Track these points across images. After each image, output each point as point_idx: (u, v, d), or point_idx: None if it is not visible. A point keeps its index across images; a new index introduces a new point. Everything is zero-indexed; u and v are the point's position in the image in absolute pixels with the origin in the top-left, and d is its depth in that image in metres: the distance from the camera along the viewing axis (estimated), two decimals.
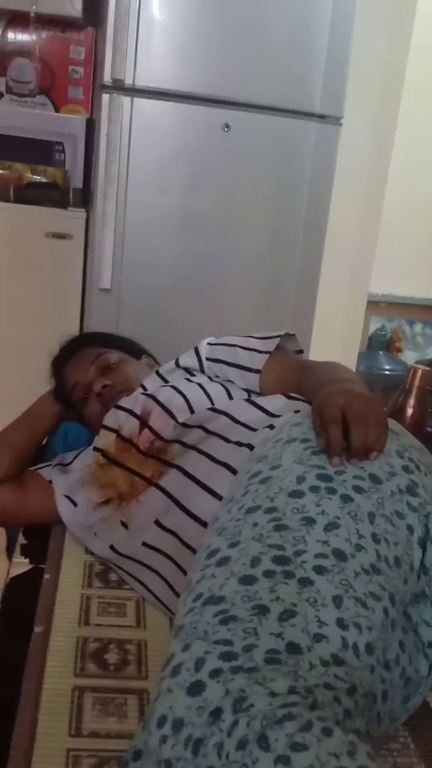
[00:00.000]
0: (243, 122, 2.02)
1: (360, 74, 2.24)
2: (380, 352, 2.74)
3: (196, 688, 0.62)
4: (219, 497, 0.93)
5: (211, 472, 0.97)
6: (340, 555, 0.73)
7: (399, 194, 2.58)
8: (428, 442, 1.03)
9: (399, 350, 2.84)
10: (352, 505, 0.77)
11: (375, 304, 2.74)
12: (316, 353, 1.29)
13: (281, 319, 2.18)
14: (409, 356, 2.83)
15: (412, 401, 1.40)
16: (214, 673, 0.62)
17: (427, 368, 1.42)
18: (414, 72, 2.50)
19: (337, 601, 0.68)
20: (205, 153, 2.02)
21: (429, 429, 1.53)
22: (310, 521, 0.75)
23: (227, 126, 2.01)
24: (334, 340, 2.59)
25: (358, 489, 0.80)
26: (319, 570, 0.71)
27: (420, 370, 1.41)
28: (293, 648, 0.64)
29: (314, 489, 0.79)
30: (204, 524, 0.94)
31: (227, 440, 1.01)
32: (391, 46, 2.45)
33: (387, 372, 2.64)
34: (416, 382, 1.40)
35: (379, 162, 2.53)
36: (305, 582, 0.69)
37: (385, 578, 0.73)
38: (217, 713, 0.60)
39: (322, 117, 2.07)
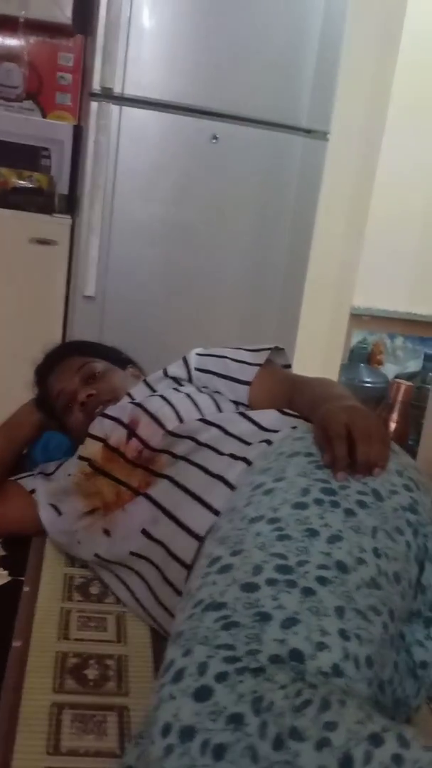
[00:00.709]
0: (231, 134, 2.03)
1: (347, 90, 2.27)
2: (361, 364, 2.75)
3: (203, 693, 0.61)
4: (214, 510, 0.93)
5: (205, 484, 0.97)
6: (342, 567, 0.73)
7: (383, 209, 2.60)
8: (410, 455, 1.04)
9: (380, 363, 2.86)
10: (354, 519, 0.78)
11: (357, 317, 2.76)
12: (299, 364, 1.30)
13: (265, 330, 2.19)
14: (390, 369, 2.85)
15: (395, 416, 1.41)
16: (220, 677, 0.62)
17: (410, 384, 1.44)
18: (400, 89, 2.53)
19: (340, 612, 0.68)
20: (192, 163, 2.02)
21: (410, 442, 1.55)
22: (313, 533, 0.76)
23: (215, 137, 2.02)
24: (317, 352, 2.60)
25: (361, 504, 0.81)
26: (322, 581, 0.71)
27: (403, 386, 1.42)
28: (296, 655, 0.64)
29: (318, 502, 0.80)
30: (195, 536, 0.93)
31: (220, 453, 1.01)
32: (378, 63, 2.48)
33: (368, 384, 2.65)
34: (399, 397, 1.41)
35: (365, 177, 2.56)
36: (308, 591, 0.69)
37: (385, 593, 0.74)
38: (237, 718, 0.59)
39: (309, 131, 2.09)
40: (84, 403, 1.28)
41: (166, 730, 0.60)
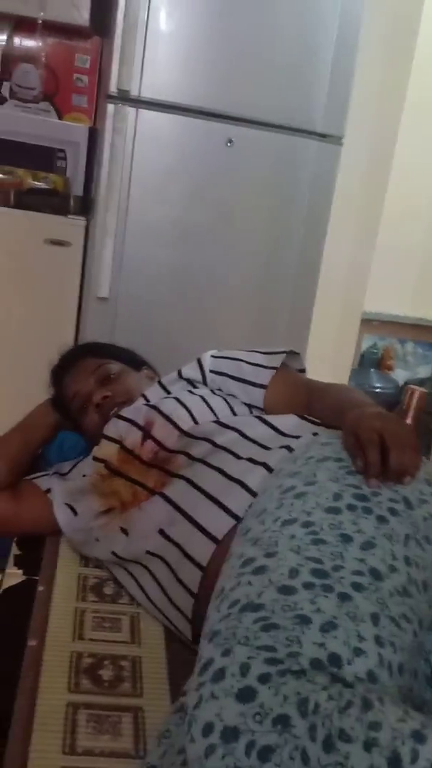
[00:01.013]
0: (245, 138, 2.03)
1: (361, 94, 2.27)
2: (372, 369, 2.75)
3: (246, 694, 0.62)
4: (232, 514, 0.93)
5: (223, 487, 0.97)
6: (376, 574, 0.73)
7: (395, 214, 2.60)
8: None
9: (390, 368, 2.86)
10: (387, 526, 0.78)
11: (368, 322, 2.76)
12: (309, 368, 1.30)
13: (276, 334, 2.19)
14: (400, 374, 2.85)
15: (408, 422, 1.41)
16: (263, 678, 0.62)
17: (424, 390, 1.44)
18: (414, 94, 2.53)
19: (375, 618, 0.69)
20: (207, 167, 2.03)
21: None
22: (347, 538, 0.76)
23: (230, 141, 2.03)
24: (327, 357, 2.60)
25: (392, 511, 0.81)
26: (357, 587, 0.71)
27: (417, 392, 1.42)
28: (334, 660, 0.64)
29: (351, 507, 0.80)
30: (213, 538, 0.93)
31: (237, 456, 1.01)
32: (392, 68, 2.48)
33: (378, 390, 2.65)
34: (413, 404, 1.41)
35: (377, 182, 2.56)
36: (344, 597, 0.70)
37: (415, 601, 0.74)
38: (283, 720, 0.59)
39: (323, 136, 2.09)
40: (99, 404, 1.29)
41: (207, 730, 0.61)
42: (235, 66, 1.98)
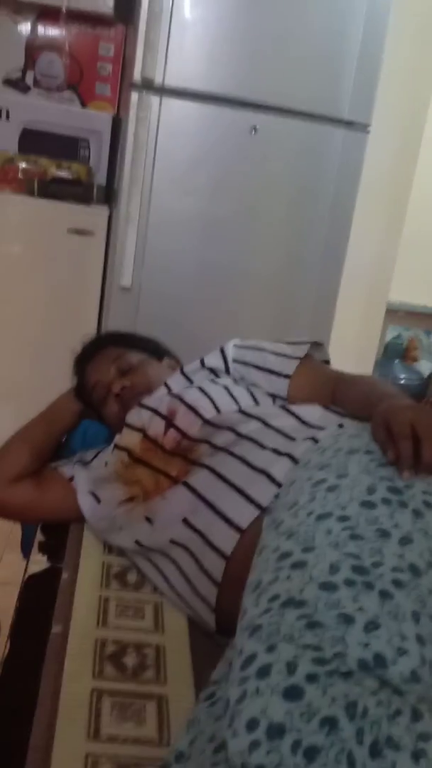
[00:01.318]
0: (271, 125, 2.02)
1: (388, 82, 2.23)
2: (396, 360, 2.73)
3: (293, 693, 0.61)
4: (256, 504, 0.93)
5: (247, 477, 0.97)
6: (415, 570, 0.72)
7: (422, 204, 2.57)
8: None
9: (415, 359, 2.83)
10: (422, 521, 0.77)
11: (393, 313, 2.73)
12: (333, 359, 1.29)
13: (300, 325, 2.18)
14: (425, 366, 2.82)
15: None
16: (311, 678, 0.62)
17: None
18: None
19: (416, 616, 0.68)
20: (231, 155, 2.02)
21: None
22: (385, 533, 0.75)
23: (255, 129, 2.01)
24: (351, 347, 2.58)
25: (427, 504, 0.79)
26: (397, 584, 0.70)
27: None
28: (379, 660, 0.64)
29: (386, 501, 0.79)
30: (236, 527, 0.93)
31: (262, 446, 1.00)
32: (421, 54, 2.44)
33: (402, 381, 2.62)
34: None
35: (403, 171, 2.52)
36: (385, 595, 0.69)
37: None
38: (331, 721, 0.59)
39: (349, 123, 2.06)
40: (119, 394, 1.29)
41: (252, 725, 0.60)
42: (261, 53, 1.97)
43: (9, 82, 2.21)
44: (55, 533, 1.23)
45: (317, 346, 1.27)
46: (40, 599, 1.05)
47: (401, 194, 2.54)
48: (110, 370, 1.32)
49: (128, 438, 1.19)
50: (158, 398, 1.21)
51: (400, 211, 2.55)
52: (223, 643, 0.83)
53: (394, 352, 2.76)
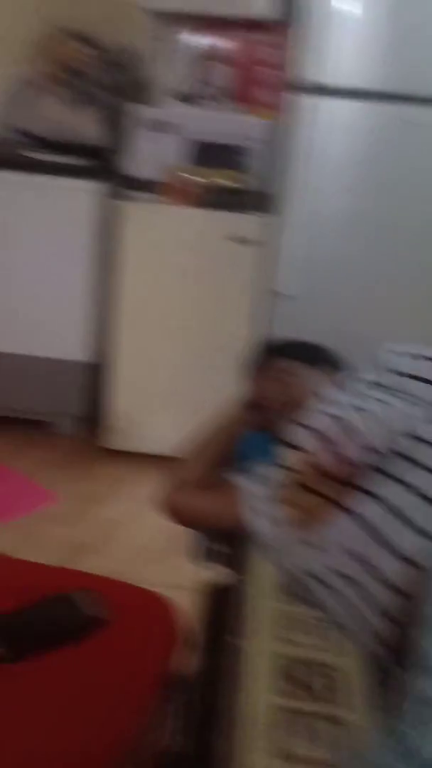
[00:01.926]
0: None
1: None
2: None
3: None
4: (430, 537, 0.89)
5: (420, 509, 0.93)
6: None
7: None
8: None
9: None
10: None
11: None
12: None
13: None
14: None
15: None
16: None
17: None
18: None
19: None
20: (399, 155, 1.95)
21: None
22: None
23: (421, 126, 1.92)
24: None
25: None
26: None
27: None
28: None
29: None
30: (406, 560, 0.90)
31: None
32: None
33: None
34: None
35: None
36: None
37: None
38: None
39: None
40: (279, 409, 1.28)
41: None
42: (425, 46, 1.88)
43: (179, 96, 2.27)
44: (233, 543, 1.23)
45: None
46: (220, 609, 1.06)
47: None
48: (272, 383, 1.32)
49: (290, 457, 1.17)
50: (319, 418, 1.17)
51: None
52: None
53: None
